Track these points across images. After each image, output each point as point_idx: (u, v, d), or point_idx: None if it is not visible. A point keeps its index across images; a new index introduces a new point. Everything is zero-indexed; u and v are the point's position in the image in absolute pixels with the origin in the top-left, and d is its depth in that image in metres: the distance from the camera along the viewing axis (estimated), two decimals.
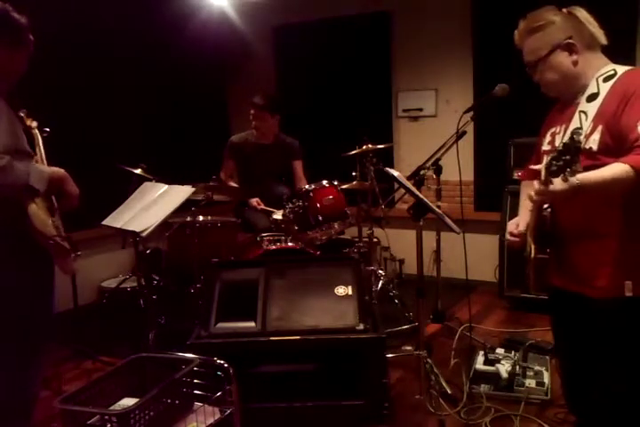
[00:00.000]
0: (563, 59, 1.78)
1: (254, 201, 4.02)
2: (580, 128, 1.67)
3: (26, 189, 1.85)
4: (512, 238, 1.95)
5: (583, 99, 1.77)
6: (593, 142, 1.68)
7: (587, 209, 1.72)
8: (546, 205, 1.82)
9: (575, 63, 1.77)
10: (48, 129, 2.32)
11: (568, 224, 1.80)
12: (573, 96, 1.82)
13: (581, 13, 1.79)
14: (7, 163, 1.76)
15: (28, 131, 2.24)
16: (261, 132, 4.10)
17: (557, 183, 1.51)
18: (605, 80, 1.74)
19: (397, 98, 4.99)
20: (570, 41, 1.76)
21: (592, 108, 1.72)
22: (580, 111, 1.75)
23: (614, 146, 1.65)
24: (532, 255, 1.83)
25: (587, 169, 1.61)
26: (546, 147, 1.92)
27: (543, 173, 1.53)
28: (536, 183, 1.58)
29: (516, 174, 4.10)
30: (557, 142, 1.83)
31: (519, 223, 1.97)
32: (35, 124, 2.26)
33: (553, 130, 1.90)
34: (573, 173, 1.48)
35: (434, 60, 4.77)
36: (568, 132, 1.74)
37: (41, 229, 1.94)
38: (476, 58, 4.55)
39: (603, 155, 1.66)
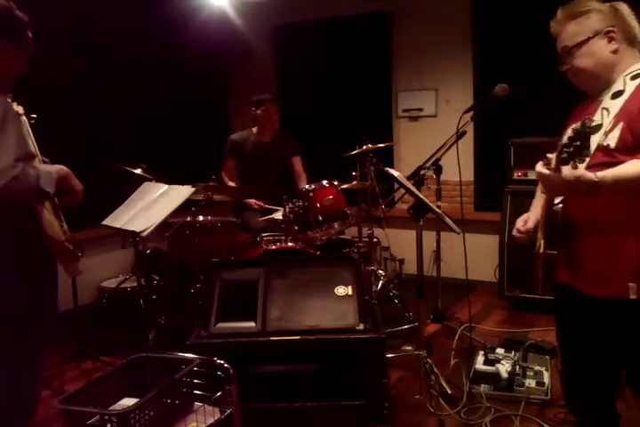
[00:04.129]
0: (601, 46, 1.74)
1: (252, 202, 4.04)
2: (601, 124, 1.63)
3: (37, 194, 1.85)
4: (518, 235, 1.92)
5: (608, 96, 1.73)
6: (611, 139, 1.64)
7: (597, 204, 1.67)
8: (557, 200, 1.78)
9: (614, 52, 1.74)
10: (35, 115, 2.29)
11: (578, 219, 1.76)
12: (599, 91, 1.78)
13: (624, 8, 1.77)
14: (21, 170, 1.75)
15: None
16: (270, 126, 4.19)
17: (566, 171, 1.46)
18: (633, 78, 1.70)
19: (397, 98, 4.99)
20: (611, 29, 1.73)
21: (615, 106, 1.68)
22: (603, 108, 1.71)
23: (633, 144, 1.61)
24: (542, 251, 1.80)
25: (602, 166, 1.56)
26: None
27: (554, 161, 1.50)
28: (546, 168, 1.54)
29: (517, 174, 4.12)
30: None
31: (528, 219, 1.93)
32: (21, 109, 2.20)
33: (574, 125, 1.87)
34: (583, 160, 1.44)
35: (434, 61, 4.78)
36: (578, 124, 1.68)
37: (51, 235, 1.96)
38: (476, 58, 4.56)
39: (620, 153, 1.62)
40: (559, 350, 1.99)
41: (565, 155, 1.45)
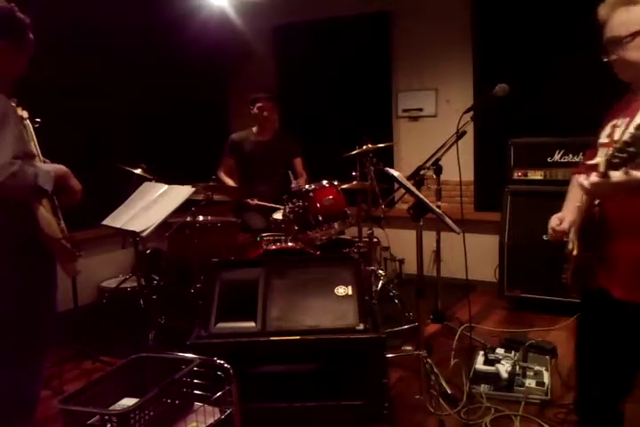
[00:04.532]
0: None
1: (251, 201, 4.06)
2: None
3: (35, 191, 1.86)
4: (553, 234, 1.85)
5: None
6: None
7: (637, 206, 1.59)
8: (597, 202, 1.69)
9: None
10: (39, 120, 2.30)
11: (617, 221, 1.68)
12: None
13: None
14: (19, 168, 1.76)
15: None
16: (269, 125, 4.19)
17: (617, 176, 1.38)
18: None
19: (397, 98, 4.99)
20: None
21: None
22: None
23: None
24: (575, 253, 1.74)
25: None
26: (603, 139, 1.76)
27: (603, 166, 1.42)
28: (593, 174, 1.46)
29: (517, 174, 4.12)
30: (617, 135, 1.67)
31: (563, 218, 1.84)
32: (25, 114, 2.21)
33: (614, 122, 1.74)
34: (637, 168, 1.35)
35: (434, 61, 4.78)
36: (631, 127, 1.53)
37: (48, 232, 1.96)
38: (476, 58, 4.55)
39: None
40: (575, 352, 1.93)
41: (618, 160, 1.37)
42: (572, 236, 1.79)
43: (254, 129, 4.26)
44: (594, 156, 1.78)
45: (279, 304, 2.60)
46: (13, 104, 2.06)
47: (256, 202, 4.02)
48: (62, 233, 2.05)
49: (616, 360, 1.80)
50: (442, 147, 3.00)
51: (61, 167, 2.02)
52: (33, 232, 1.94)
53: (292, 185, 3.68)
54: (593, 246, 1.72)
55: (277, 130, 4.39)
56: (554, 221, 1.87)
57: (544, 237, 3.77)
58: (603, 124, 1.82)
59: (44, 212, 1.97)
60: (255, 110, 4.13)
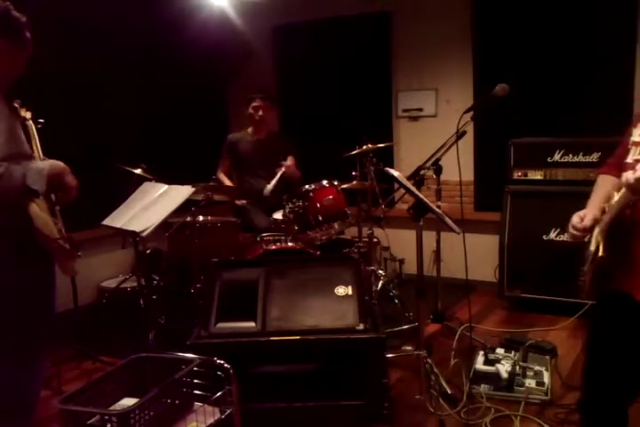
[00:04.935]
0: None
1: (239, 202, 4.09)
2: None
3: (25, 192, 1.85)
4: (573, 232, 1.78)
5: None
6: None
7: None
8: (632, 203, 1.63)
9: None
10: (42, 120, 2.28)
11: None
12: None
13: None
14: (4, 170, 1.76)
15: (22, 122, 2.15)
16: (263, 124, 4.18)
17: None
18: None
19: (397, 98, 4.99)
20: None
21: None
22: None
23: None
24: (600, 254, 1.68)
25: None
26: (637, 138, 1.72)
27: None
28: (639, 167, 1.43)
29: (517, 174, 4.11)
30: None
31: (585, 216, 1.76)
32: (29, 115, 2.20)
33: None
34: None
35: (434, 60, 4.77)
36: None
37: (44, 232, 1.95)
38: (476, 57, 4.55)
39: None
40: (586, 354, 1.92)
41: None
42: (596, 235, 1.73)
43: (250, 129, 4.27)
44: (624, 155, 1.75)
45: (279, 304, 2.60)
46: (17, 105, 2.07)
47: (242, 202, 4.03)
48: (59, 233, 2.04)
49: (633, 364, 1.78)
50: (442, 147, 3.01)
51: (58, 164, 2.00)
52: (30, 232, 1.94)
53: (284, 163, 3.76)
54: (620, 248, 1.67)
55: (273, 130, 4.39)
56: (575, 219, 1.78)
57: (544, 238, 3.77)
58: (634, 122, 1.78)
59: (40, 211, 1.95)
60: (250, 110, 4.14)
